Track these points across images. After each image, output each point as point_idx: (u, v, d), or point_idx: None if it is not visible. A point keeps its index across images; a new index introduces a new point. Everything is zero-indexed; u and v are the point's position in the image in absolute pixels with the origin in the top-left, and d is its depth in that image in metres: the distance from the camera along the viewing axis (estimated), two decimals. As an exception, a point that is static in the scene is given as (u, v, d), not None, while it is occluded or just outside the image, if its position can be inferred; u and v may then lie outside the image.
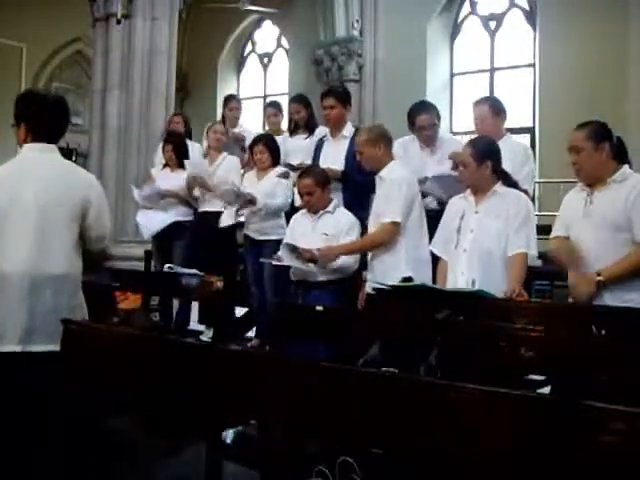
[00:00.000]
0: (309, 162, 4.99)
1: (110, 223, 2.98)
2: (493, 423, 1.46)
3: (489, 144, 3.60)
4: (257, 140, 5.24)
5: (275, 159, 5.13)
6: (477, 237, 3.46)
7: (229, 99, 6.48)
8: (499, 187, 3.54)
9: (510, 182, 3.62)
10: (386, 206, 3.86)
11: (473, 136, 4.16)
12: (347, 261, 4.16)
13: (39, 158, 2.77)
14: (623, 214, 3.12)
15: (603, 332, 2.76)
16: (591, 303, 3.15)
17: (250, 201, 4.94)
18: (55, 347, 2.49)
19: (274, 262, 4.32)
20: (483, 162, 3.45)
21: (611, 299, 3.11)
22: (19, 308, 2.60)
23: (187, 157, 5.59)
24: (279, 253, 4.26)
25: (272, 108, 6.09)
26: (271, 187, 5.00)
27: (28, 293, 2.60)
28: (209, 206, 5.48)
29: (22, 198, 2.67)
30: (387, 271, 3.81)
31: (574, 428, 1.37)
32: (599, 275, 3.11)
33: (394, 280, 3.52)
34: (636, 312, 2.94)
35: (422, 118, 4.36)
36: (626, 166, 3.27)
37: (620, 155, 3.31)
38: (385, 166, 3.95)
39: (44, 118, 2.76)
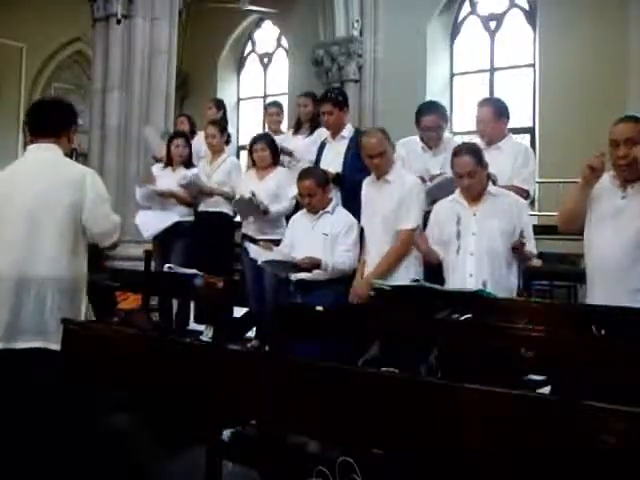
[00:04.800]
0: (305, 162, 4.98)
1: (116, 219, 2.93)
2: (493, 423, 1.46)
3: None
4: (258, 138, 5.24)
5: (275, 158, 5.14)
6: (481, 239, 3.47)
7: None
8: (491, 188, 3.56)
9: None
10: (406, 213, 3.87)
11: (474, 136, 4.16)
12: (346, 261, 4.15)
13: (37, 159, 2.79)
14: None
15: (603, 332, 2.76)
16: None
17: (264, 212, 4.89)
18: (39, 344, 2.51)
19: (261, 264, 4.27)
20: None
21: (628, 299, 3.01)
22: (4, 307, 2.64)
23: (190, 156, 5.62)
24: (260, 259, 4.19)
25: (275, 107, 6.08)
26: (275, 187, 4.99)
27: (14, 293, 2.64)
28: (208, 206, 5.49)
29: (16, 199, 2.69)
30: (398, 273, 3.83)
31: (574, 428, 1.37)
32: None
33: (404, 282, 3.54)
34: (636, 312, 2.94)
35: (427, 119, 4.35)
36: None
37: None
38: (390, 168, 3.96)
39: (38, 118, 2.85)
